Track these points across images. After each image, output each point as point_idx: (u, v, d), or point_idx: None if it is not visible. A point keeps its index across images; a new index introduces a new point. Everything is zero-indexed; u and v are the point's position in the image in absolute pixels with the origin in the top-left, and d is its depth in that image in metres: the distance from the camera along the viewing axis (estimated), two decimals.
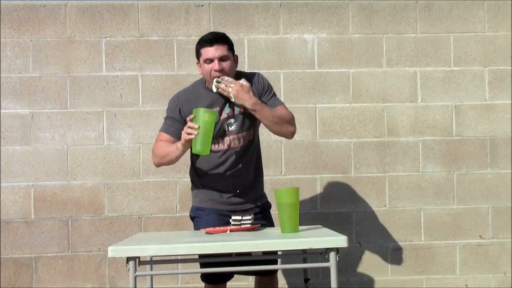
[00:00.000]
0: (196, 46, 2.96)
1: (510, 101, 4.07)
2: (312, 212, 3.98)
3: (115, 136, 3.93)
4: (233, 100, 2.87)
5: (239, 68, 3.08)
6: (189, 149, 2.90)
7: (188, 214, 3.14)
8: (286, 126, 2.97)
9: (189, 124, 2.75)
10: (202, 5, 3.97)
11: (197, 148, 2.74)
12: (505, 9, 4.08)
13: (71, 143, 3.91)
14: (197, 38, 3.01)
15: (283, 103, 3.04)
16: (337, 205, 4.00)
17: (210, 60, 2.89)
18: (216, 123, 2.86)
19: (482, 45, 4.07)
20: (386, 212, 4.02)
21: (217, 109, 2.93)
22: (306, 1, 4.03)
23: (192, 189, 3.12)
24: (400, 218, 4.02)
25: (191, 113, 2.84)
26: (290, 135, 3.02)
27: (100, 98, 3.94)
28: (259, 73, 3.06)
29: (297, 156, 3.97)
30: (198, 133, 2.72)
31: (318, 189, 4.00)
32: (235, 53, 3.01)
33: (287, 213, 2.61)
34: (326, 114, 4.01)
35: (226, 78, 2.88)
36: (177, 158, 2.92)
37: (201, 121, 2.73)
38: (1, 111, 3.89)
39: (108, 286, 3.90)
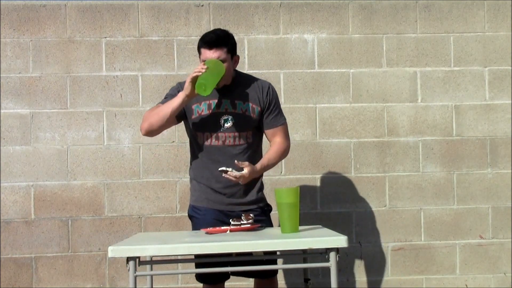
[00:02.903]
0: (198, 42, 2.95)
1: (510, 101, 4.06)
2: (312, 212, 3.98)
3: (115, 136, 3.93)
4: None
5: (240, 69, 3.07)
6: (187, 143, 2.93)
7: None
8: (283, 157, 3.15)
9: (200, 65, 2.83)
10: (202, 5, 3.97)
11: (201, 81, 2.77)
12: (505, 9, 4.08)
13: (71, 143, 3.91)
14: (197, 38, 3.02)
15: (284, 123, 3.09)
16: (337, 205, 4.00)
17: None
18: (212, 115, 2.91)
19: (482, 45, 4.07)
20: (386, 212, 4.02)
21: (215, 101, 2.94)
22: (306, 1, 4.02)
23: (190, 187, 3.11)
24: (400, 218, 4.02)
25: None
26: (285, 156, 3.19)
27: (100, 98, 3.93)
28: (270, 85, 3.06)
29: (297, 156, 3.97)
30: (206, 72, 2.78)
31: (318, 189, 4.00)
32: (237, 53, 2.99)
33: (287, 213, 2.61)
34: (326, 114, 4.01)
35: (229, 172, 2.85)
36: (173, 112, 2.89)
37: (212, 64, 2.82)
38: (1, 111, 3.89)
39: (108, 286, 3.90)
